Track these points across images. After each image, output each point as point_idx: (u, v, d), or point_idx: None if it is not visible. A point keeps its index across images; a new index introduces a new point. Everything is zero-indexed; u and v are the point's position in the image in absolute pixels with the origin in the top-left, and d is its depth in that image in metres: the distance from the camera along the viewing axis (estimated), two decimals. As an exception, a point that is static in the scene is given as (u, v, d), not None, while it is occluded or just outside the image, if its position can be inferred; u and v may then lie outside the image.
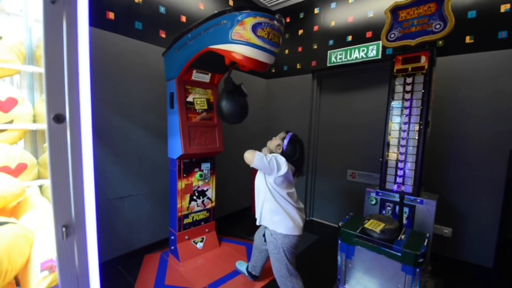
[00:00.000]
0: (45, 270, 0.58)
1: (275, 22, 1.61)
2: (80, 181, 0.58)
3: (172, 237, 2.36)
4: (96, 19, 2.06)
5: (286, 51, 3.63)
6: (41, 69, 1.12)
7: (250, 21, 1.53)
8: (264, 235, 1.78)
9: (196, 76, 2.31)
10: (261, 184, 1.70)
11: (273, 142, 1.73)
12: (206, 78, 2.40)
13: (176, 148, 2.21)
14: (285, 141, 1.65)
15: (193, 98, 2.31)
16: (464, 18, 2.35)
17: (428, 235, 1.66)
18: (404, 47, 2.07)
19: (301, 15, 3.49)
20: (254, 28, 1.53)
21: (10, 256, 0.56)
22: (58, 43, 0.53)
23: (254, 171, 1.84)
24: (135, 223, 2.40)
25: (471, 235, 2.39)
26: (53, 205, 0.53)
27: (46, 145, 0.54)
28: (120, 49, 2.21)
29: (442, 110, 2.41)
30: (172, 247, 2.36)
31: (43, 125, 1.00)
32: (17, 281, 0.78)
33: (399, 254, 1.50)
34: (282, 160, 1.59)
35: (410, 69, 1.98)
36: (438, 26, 1.92)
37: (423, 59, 1.93)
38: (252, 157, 1.57)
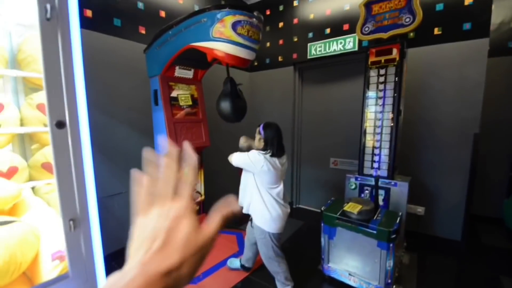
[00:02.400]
0: (56, 260, 0.64)
1: (254, 19, 1.67)
2: (82, 179, 0.64)
3: (164, 231, 2.42)
4: (73, 17, 2.02)
5: (268, 44, 3.68)
6: (24, 73, 1.15)
7: (230, 19, 1.58)
8: (252, 224, 1.89)
9: (179, 72, 2.33)
10: (248, 180, 1.82)
11: (256, 140, 1.85)
12: (189, 74, 2.43)
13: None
14: (261, 131, 1.76)
15: (177, 94, 2.34)
16: (432, 11, 2.50)
17: (400, 213, 1.83)
18: (378, 40, 2.19)
19: (281, 8, 3.54)
20: (234, 26, 1.59)
21: (22, 250, 0.61)
22: (55, 56, 0.58)
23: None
24: (126, 220, 2.44)
25: (441, 212, 2.62)
26: (60, 201, 0.60)
27: (47, 147, 0.60)
28: (100, 47, 2.19)
29: (414, 98, 2.58)
30: (164, 241, 2.42)
31: (33, 128, 1.03)
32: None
33: (375, 231, 1.66)
34: (260, 157, 1.69)
35: (383, 61, 2.11)
36: (408, 20, 2.04)
37: (395, 51, 2.06)
38: (231, 159, 1.81)
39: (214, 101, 2.26)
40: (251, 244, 2.00)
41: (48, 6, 0.55)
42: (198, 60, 2.25)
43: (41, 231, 0.73)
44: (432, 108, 2.59)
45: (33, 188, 1.24)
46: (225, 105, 2.09)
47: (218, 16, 1.60)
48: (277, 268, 1.79)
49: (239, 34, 1.61)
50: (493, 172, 2.99)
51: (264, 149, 1.75)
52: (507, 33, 2.83)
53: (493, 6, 2.31)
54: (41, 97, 0.87)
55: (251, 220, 1.89)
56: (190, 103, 2.41)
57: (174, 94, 2.31)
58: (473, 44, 2.39)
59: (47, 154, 0.87)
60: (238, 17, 1.58)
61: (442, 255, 2.40)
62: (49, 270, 0.62)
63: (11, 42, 1.24)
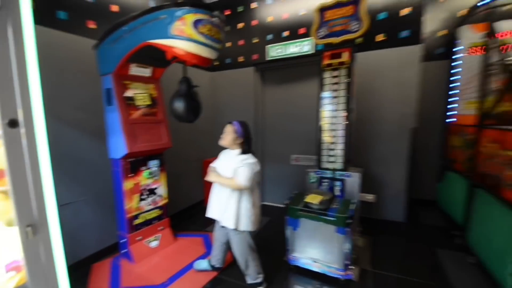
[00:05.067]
0: (11, 271, 0.58)
1: (215, 19, 1.68)
2: (39, 181, 0.59)
3: (123, 240, 2.28)
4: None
5: (228, 44, 3.70)
6: None
7: (190, 17, 1.57)
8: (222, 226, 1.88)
9: (135, 70, 2.22)
10: (227, 190, 1.78)
11: (227, 138, 1.80)
12: (146, 72, 2.32)
13: (118, 147, 2.11)
14: (237, 129, 1.77)
15: (134, 94, 2.22)
16: (375, 19, 2.80)
17: (354, 201, 2.02)
18: (331, 44, 2.37)
19: (240, 9, 3.59)
20: (195, 24, 1.58)
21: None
22: (5, 48, 0.53)
23: (205, 164, 1.92)
24: (77, 232, 2.23)
25: (388, 198, 2.96)
26: (15, 206, 0.54)
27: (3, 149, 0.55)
28: (42, 42, 1.96)
29: (363, 97, 2.86)
30: (124, 250, 2.28)
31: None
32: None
33: (333, 218, 1.81)
34: (254, 160, 1.76)
35: (335, 64, 2.29)
36: (356, 26, 2.25)
37: (346, 55, 2.26)
38: (239, 183, 1.67)
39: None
40: (221, 244, 1.99)
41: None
42: (156, 58, 2.17)
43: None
44: (378, 106, 2.90)
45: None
46: (179, 105, 2.05)
47: (178, 13, 1.57)
48: (250, 263, 1.83)
49: (200, 33, 1.60)
50: (428, 161, 3.47)
51: (245, 149, 1.78)
52: (436, 40, 3.31)
53: (425, 17, 2.69)
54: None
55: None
56: (149, 102, 2.31)
57: (130, 93, 2.19)
58: (409, 50, 2.74)
59: None
60: (199, 16, 1.58)
61: (390, 236, 2.71)
62: (3, 282, 0.56)
63: None
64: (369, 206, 2.95)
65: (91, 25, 2.32)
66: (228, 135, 1.80)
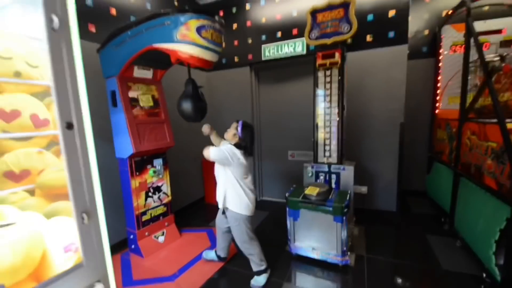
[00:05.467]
0: (69, 252, 0.69)
1: (217, 24, 1.79)
2: (89, 175, 0.70)
3: (131, 236, 2.37)
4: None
5: (223, 45, 3.78)
6: None
7: (194, 23, 1.67)
8: (224, 213, 2.01)
9: (137, 72, 2.30)
10: (220, 173, 1.94)
11: (230, 133, 1.95)
12: (148, 74, 2.41)
13: (125, 147, 2.20)
14: (239, 129, 1.90)
15: (138, 95, 2.31)
16: (364, 20, 2.95)
17: (349, 192, 2.17)
18: (323, 45, 2.50)
19: (234, 10, 3.68)
20: (199, 30, 1.68)
21: (32, 247, 0.64)
22: (60, 63, 0.64)
23: (204, 162, 2.03)
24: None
25: (380, 189, 3.13)
26: (72, 196, 0.65)
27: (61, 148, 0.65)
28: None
29: (354, 95, 3.01)
30: (133, 246, 2.38)
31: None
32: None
33: (331, 208, 1.95)
34: (236, 150, 1.86)
35: (328, 63, 2.43)
36: (346, 28, 2.39)
37: (337, 55, 2.40)
38: (208, 153, 1.82)
39: (174, 101, 2.29)
40: (223, 233, 2.12)
41: (54, 17, 0.61)
42: (158, 60, 2.26)
43: (41, 229, 0.75)
44: (368, 103, 3.07)
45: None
46: (187, 106, 2.14)
47: (182, 19, 1.67)
48: (251, 251, 1.96)
49: (203, 37, 1.71)
50: (417, 154, 3.66)
51: (237, 146, 1.90)
52: (421, 40, 3.49)
53: (410, 18, 2.85)
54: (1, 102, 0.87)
55: (223, 211, 2.02)
56: (152, 104, 2.40)
57: (134, 95, 2.28)
58: (396, 49, 2.91)
59: (9, 162, 0.87)
60: (202, 22, 1.68)
61: (383, 224, 2.89)
62: (63, 261, 0.67)
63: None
64: (362, 197, 3.12)
65: (92, 28, 2.38)
66: (231, 130, 1.95)
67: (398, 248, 2.41)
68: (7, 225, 0.73)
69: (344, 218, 1.94)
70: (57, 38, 0.62)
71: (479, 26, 2.76)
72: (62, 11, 0.62)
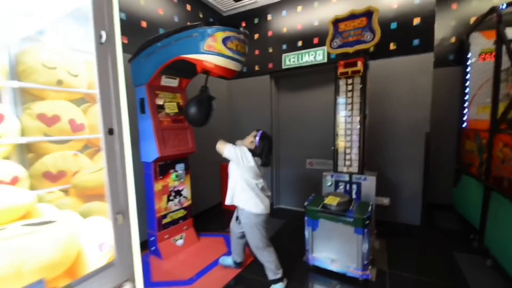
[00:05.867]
0: (103, 251, 0.74)
1: (241, 36, 1.85)
2: (125, 178, 0.75)
3: (152, 238, 2.45)
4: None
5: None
6: (25, 84, 1.21)
7: (220, 35, 1.75)
8: (237, 218, 2.04)
9: (165, 81, 2.42)
10: (233, 171, 2.00)
11: (248, 139, 2.02)
12: (174, 83, 2.52)
13: (150, 151, 2.30)
14: (257, 138, 1.94)
15: (164, 103, 2.42)
16: (388, 28, 2.92)
17: (371, 203, 2.11)
18: (345, 53, 2.50)
19: (256, 21, 3.78)
20: (225, 41, 1.75)
21: (70, 245, 0.70)
22: (106, 74, 0.70)
23: (222, 169, 2.08)
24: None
25: (403, 201, 3.01)
26: (110, 197, 0.70)
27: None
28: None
29: (377, 103, 2.96)
30: (153, 248, 2.45)
31: (36, 138, 1.09)
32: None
33: (352, 219, 1.91)
34: (248, 154, 1.92)
35: (350, 72, 2.42)
36: (369, 37, 2.38)
37: (359, 64, 2.38)
38: (223, 148, 1.95)
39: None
40: (237, 239, 2.15)
41: (103, 33, 0.67)
42: (183, 70, 2.36)
43: (78, 228, 0.81)
44: (391, 111, 2.99)
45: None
46: (194, 110, 2.19)
47: (209, 32, 1.75)
48: (267, 258, 1.96)
49: (229, 48, 1.78)
50: (443, 165, 3.49)
51: (252, 151, 1.94)
52: (448, 47, 3.38)
53: (435, 25, 2.78)
54: (41, 107, 0.94)
55: (237, 217, 2.05)
56: (177, 110, 2.50)
57: (160, 102, 2.39)
58: (421, 57, 2.84)
59: (48, 163, 0.93)
60: (228, 33, 1.76)
61: (406, 238, 2.76)
62: (98, 259, 0.72)
63: (9, 54, 1.28)
64: (384, 209, 3.01)
65: (124, 40, 2.55)
66: (249, 137, 2.02)
67: (422, 265, 2.30)
68: (49, 222, 0.80)
69: (365, 230, 1.88)
70: (103, 51, 0.68)
71: (511, 32, 2.63)
72: (109, 27, 0.69)
